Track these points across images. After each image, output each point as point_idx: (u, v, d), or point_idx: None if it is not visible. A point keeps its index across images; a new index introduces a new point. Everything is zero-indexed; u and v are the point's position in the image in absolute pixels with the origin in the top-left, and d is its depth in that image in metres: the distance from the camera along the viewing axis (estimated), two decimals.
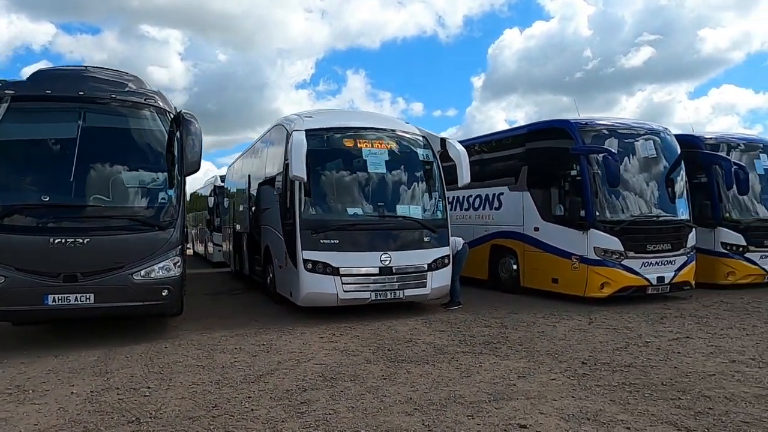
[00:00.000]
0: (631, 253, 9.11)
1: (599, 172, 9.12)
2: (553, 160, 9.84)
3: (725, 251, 10.72)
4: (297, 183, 8.12)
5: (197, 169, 7.16)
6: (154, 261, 6.84)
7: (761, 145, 11.70)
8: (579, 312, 8.47)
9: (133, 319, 7.61)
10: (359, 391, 4.74)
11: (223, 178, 18.58)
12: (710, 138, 11.36)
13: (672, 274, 9.42)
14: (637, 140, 9.68)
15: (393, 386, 4.87)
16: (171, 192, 7.14)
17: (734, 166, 10.30)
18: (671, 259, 9.44)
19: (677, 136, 10.63)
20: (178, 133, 7.14)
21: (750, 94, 60.82)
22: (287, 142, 8.47)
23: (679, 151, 9.99)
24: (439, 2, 74.90)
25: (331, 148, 8.57)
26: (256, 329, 7.57)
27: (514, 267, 10.67)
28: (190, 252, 26.97)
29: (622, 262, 9.07)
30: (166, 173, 7.14)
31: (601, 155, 8.88)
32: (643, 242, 9.20)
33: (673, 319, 7.82)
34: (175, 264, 7.01)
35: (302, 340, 6.82)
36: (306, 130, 8.33)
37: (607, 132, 9.60)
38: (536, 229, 10.13)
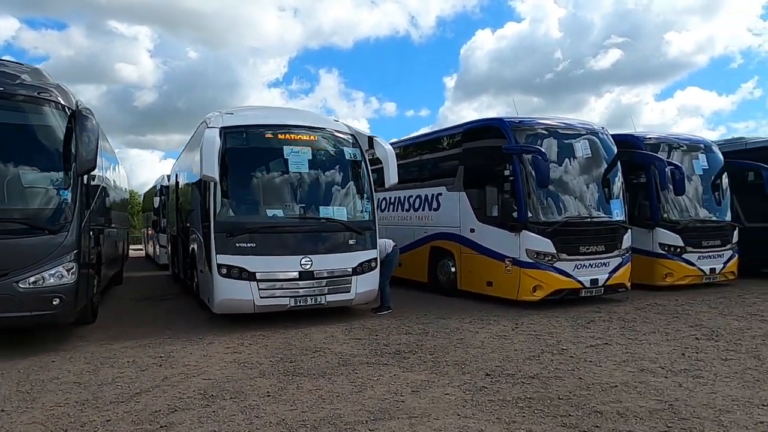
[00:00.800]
0: (564, 255, 8.91)
1: (532, 172, 8.92)
2: (488, 159, 9.58)
3: (663, 252, 10.65)
4: (212, 183, 7.69)
5: (93, 168, 6.65)
6: (43, 267, 6.33)
7: (702, 145, 11.69)
8: (508, 316, 8.23)
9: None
10: (232, 412, 4.35)
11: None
12: (650, 138, 11.28)
13: (606, 276, 9.26)
14: (574, 140, 9.49)
15: (272, 405, 4.50)
16: (65, 193, 6.62)
17: (669, 167, 10.21)
18: (605, 260, 9.27)
19: (617, 136, 10.53)
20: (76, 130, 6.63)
21: (714, 96, 62.36)
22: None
23: (615, 151, 9.84)
24: (412, 3, 74.85)
25: (250, 146, 8.15)
26: (163, 339, 7.12)
27: (452, 269, 10.40)
28: (142, 253, 26.18)
29: (555, 265, 8.86)
30: (61, 172, 6.64)
31: (531, 155, 8.64)
32: (576, 244, 9.01)
33: (599, 324, 7.62)
34: (69, 270, 6.49)
35: (205, 352, 6.40)
36: (223, 128, 7.91)
37: (542, 131, 9.39)
38: (472, 230, 9.87)
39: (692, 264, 10.73)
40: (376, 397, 4.64)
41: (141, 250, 27.50)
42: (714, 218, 11.21)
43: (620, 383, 4.91)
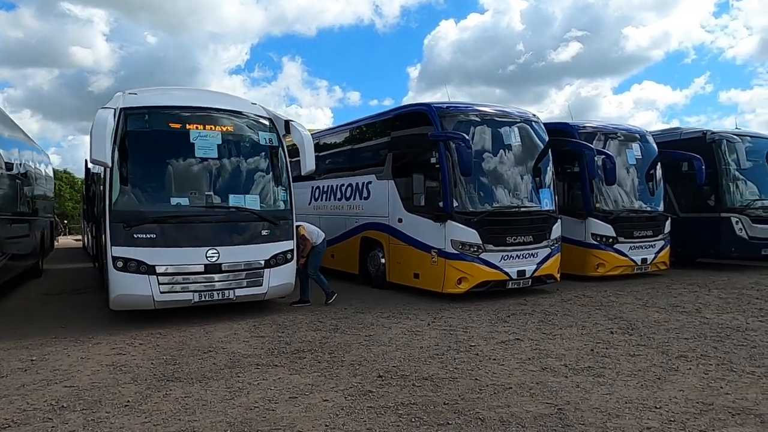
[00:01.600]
0: (491, 246, 8.63)
1: (458, 160, 8.58)
2: (416, 147, 9.20)
3: (595, 242, 10.53)
4: (107, 170, 7.07)
5: None
6: None
7: (637, 135, 11.60)
8: (429, 310, 7.90)
9: None
10: (73, 427, 3.84)
11: None
12: (585, 127, 11.11)
13: (534, 267, 9.04)
14: (504, 128, 9.19)
15: (125, 417, 4.01)
16: None
17: (600, 156, 10.06)
18: (533, 251, 9.04)
19: (550, 125, 10.32)
20: None
21: (668, 91, 63.97)
22: None
23: (547, 140, 9.60)
24: None
25: (152, 129, 7.53)
26: (49, 339, 6.51)
27: (382, 261, 10.03)
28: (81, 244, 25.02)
29: (481, 256, 8.58)
30: None
31: (455, 142, 8.29)
32: (503, 234, 8.74)
33: (519, 317, 7.37)
34: None
35: (85, 353, 5.83)
36: (123, 109, 7.30)
37: (471, 118, 9.04)
38: (400, 220, 9.49)
39: (624, 254, 10.65)
40: (245, 406, 4.20)
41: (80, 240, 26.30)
42: (647, 208, 11.14)
43: (516, 384, 4.61)
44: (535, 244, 9.05)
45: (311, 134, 8.96)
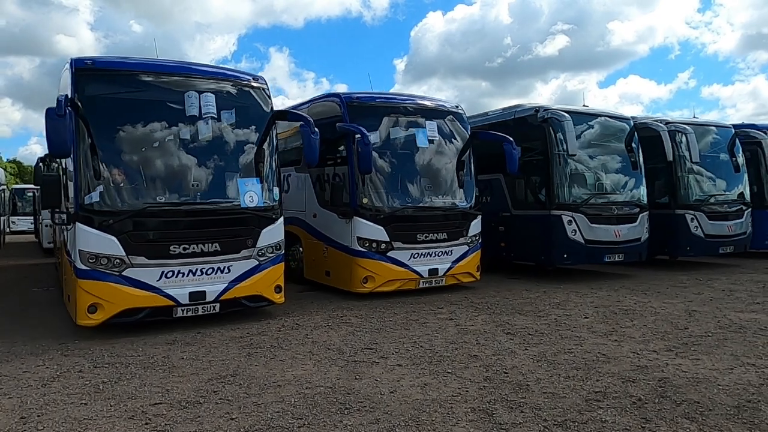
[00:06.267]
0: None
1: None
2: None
3: (362, 249, 8.34)
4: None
5: None
6: None
7: (437, 110, 9.06)
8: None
9: None
10: None
11: None
12: (359, 98, 8.79)
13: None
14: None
15: None
16: None
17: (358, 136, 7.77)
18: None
19: (320, 98, 9.41)
20: None
21: (653, 85, 63.59)
22: None
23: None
24: None
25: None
26: None
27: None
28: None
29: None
30: None
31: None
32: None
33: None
34: None
35: None
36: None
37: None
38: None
39: (402, 264, 8.27)
40: None
41: None
42: (442, 204, 8.70)
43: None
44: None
45: None
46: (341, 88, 74.31)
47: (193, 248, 6.26)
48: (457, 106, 9.41)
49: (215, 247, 6.37)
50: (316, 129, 6.97)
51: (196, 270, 6.30)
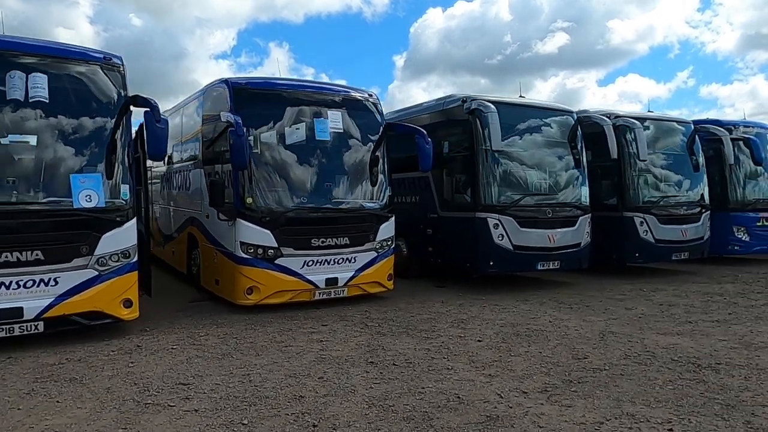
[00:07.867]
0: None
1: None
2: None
3: (246, 256, 7.24)
4: None
5: None
6: None
7: (346, 99, 8.10)
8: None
9: None
10: None
11: None
12: (244, 84, 7.61)
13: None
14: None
15: None
16: None
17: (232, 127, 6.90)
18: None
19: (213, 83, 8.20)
20: None
21: (653, 84, 62.51)
22: None
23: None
24: None
25: None
26: None
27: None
28: None
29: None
30: None
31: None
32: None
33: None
34: None
35: None
36: None
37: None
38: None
39: (293, 273, 7.29)
40: None
41: None
42: (344, 205, 7.78)
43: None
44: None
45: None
46: None
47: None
48: (370, 95, 8.40)
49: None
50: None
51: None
